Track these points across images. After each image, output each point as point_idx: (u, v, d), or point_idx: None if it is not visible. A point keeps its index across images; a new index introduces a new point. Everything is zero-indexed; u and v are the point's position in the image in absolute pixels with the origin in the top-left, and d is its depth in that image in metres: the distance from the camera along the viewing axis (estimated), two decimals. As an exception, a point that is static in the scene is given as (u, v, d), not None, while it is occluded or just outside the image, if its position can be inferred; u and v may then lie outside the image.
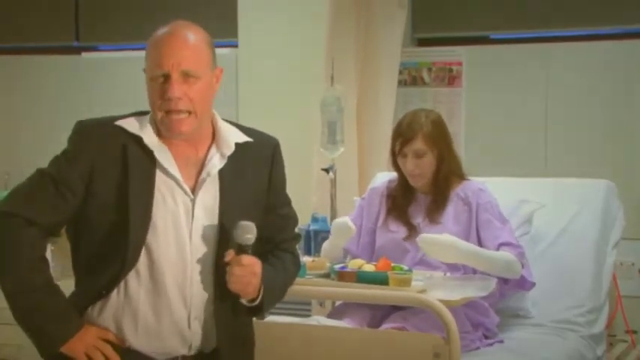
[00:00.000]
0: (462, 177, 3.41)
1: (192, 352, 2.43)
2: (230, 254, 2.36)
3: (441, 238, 3.13)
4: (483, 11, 4.63)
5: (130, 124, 2.41)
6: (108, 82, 5.11)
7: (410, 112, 3.43)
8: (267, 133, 2.57)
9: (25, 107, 5.33)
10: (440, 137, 3.33)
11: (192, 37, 2.37)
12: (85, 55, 5.24)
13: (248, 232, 2.35)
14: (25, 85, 5.34)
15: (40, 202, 2.36)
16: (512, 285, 3.29)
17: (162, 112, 2.35)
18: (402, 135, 3.33)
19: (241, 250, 2.36)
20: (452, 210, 3.33)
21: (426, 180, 3.35)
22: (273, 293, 2.46)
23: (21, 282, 2.34)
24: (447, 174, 3.34)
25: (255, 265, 2.36)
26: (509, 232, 3.29)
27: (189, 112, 2.35)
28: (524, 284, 3.30)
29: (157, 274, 2.37)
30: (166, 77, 2.33)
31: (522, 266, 3.23)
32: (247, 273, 2.35)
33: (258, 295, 2.41)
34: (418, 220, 3.36)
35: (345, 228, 3.29)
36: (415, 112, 3.41)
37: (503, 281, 3.25)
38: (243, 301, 2.42)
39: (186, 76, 2.34)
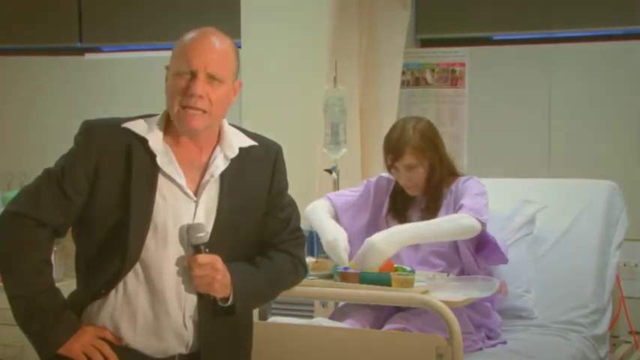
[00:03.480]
0: (456, 175, 3.41)
1: (189, 351, 2.44)
2: (187, 259, 2.37)
3: (362, 249, 3.12)
4: (486, 12, 4.63)
5: (137, 126, 2.42)
6: (111, 83, 5.12)
7: (398, 124, 3.41)
8: (270, 139, 2.58)
9: (28, 108, 5.34)
10: (429, 148, 3.34)
11: (223, 43, 2.41)
12: (88, 56, 5.25)
13: (199, 231, 2.36)
14: (28, 86, 5.35)
15: (48, 202, 2.37)
16: (488, 256, 3.28)
17: (180, 107, 2.37)
18: (392, 151, 3.34)
19: (197, 250, 2.36)
20: (445, 207, 3.34)
21: (421, 187, 3.37)
22: (248, 290, 2.43)
23: (25, 286, 2.36)
24: (439, 180, 3.35)
25: (215, 261, 2.36)
26: (470, 197, 3.26)
27: (204, 112, 2.37)
28: (500, 256, 3.28)
29: (156, 274, 2.38)
30: (193, 75, 2.35)
31: (482, 223, 3.18)
32: (208, 271, 2.35)
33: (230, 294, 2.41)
34: (414, 220, 3.36)
35: (341, 261, 3.18)
36: (403, 124, 3.39)
37: (478, 252, 3.27)
38: (218, 300, 2.41)
39: (211, 78, 2.36)
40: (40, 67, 5.35)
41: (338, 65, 3.87)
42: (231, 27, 4.67)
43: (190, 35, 2.41)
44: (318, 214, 3.36)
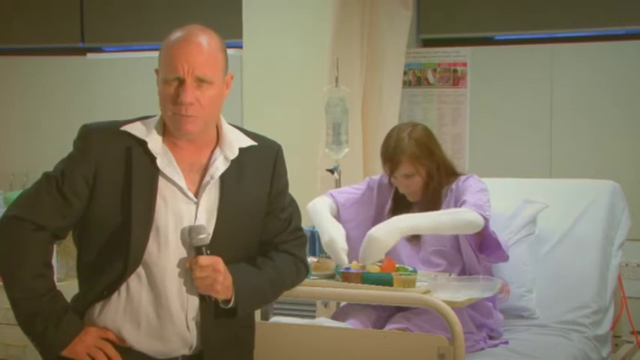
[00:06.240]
0: (455, 175, 3.41)
1: (193, 352, 2.44)
2: (188, 261, 2.37)
3: (363, 244, 3.11)
4: (488, 12, 4.63)
5: (136, 129, 2.41)
6: (113, 83, 5.12)
7: (393, 132, 3.39)
8: (269, 138, 2.57)
9: (30, 108, 5.34)
10: (426, 156, 3.33)
11: (208, 42, 2.36)
12: (90, 56, 5.25)
13: (200, 232, 2.36)
14: (31, 86, 5.35)
15: (47, 206, 2.37)
16: (490, 253, 3.28)
17: (172, 114, 2.36)
18: (389, 161, 3.34)
19: (198, 252, 2.36)
20: (445, 205, 3.34)
21: (419, 193, 3.37)
22: (249, 292, 2.44)
23: (25, 289, 2.36)
24: (437, 185, 3.35)
25: (216, 263, 2.36)
26: (471, 194, 3.26)
27: (197, 116, 2.36)
28: (501, 253, 3.27)
29: (158, 276, 2.38)
30: (180, 81, 2.33)
31: (485, 218, 3.17)
32: (209, 272, 2.35)
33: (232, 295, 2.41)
34: None
35: (340, 261, 3.18)
36: (398, 132, 3.37)
37: (479, 250, 3.27)
38: (220, 302, 2.41)
39: (199, 81, 2.34)
40: (41, 67, 5.35)
41: (340, 65, 3.87)
42: (233, 27, 4.68)
43: (174, 37, 2.37)
44: (319, 212, 3.35)
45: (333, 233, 3.21)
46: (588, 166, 4.24)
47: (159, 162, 2.38)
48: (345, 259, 3.15)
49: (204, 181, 2.42)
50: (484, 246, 3.28)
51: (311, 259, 3.20)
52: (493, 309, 3.33)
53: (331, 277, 3.12)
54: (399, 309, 3.21)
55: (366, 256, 3.07)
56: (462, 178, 3.38)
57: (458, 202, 3.28)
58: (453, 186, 3.36)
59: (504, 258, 3.30)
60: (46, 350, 2.39)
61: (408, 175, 3.33)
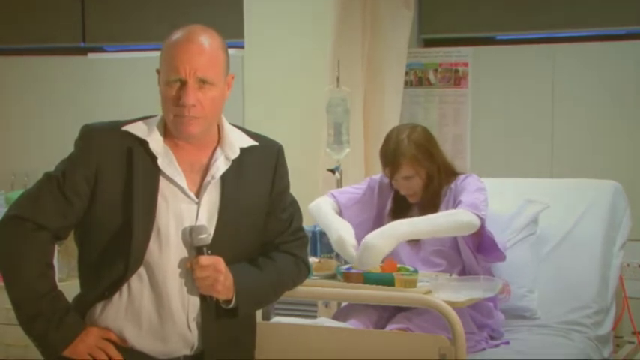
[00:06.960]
0: (455, 174, 3.41)
1: (194, 352, 2.44)
2: (189, 261, 2.37)
3: (359, 251, 3.10)
4: (489, 12, 4.63)
5: (137, 129, 2.41)
6: (114, 83, 5.11)
7: (392, 134, 3.39)
8: (270, 139, 2.57)
9: (31, 108, 5.34)
10: (425, 157, 3.33)
11: (209, 43, 2.36)
12: (91, 56, 5.24)
13: (201, 232, 2.36)
14: (32, 86, 5.34)
15: (48, 206, 2.37)
16: (487, 253, 3.28)
17: (174, 116, 2.36)
18: (389, 164, 3.34)
19: (199, 252, 2.36)
20: (444, 205, 3.35)
21: (420, 194, 3.38)
22: (250, 292, 2.44)
23: (27, 290, 2.36)
24: (437, 186, 3.36)
25: (217, 263, 2.36)
26: (468, 194, 3.26)
27: (199, 117, 2.36)
28: (498, 254, 3.28)
29: (160, 277, 2.38)
30: (182, 83, 2.33)
31: (480, 218, 3.17)
32: (210, 272, 2.35)
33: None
34: None
35: (350, 259, 3.19)
36: (398, 134, 3.38)
37: (477, 250, 3.27)
38: (221, 302, 2.42)
39: (201, 82, 2.34)
40: (43, 67, 5.34)
41: (341, 65, 3.86)
42: (234, 27, 4.68)
43: (175, 37, 2.37)
44: (324, 212, 3.36)
45: (342, 231, 3.22)
46: (589, 167, 4.23)
47: (160, 162, 2.39)
48: (355, 255, 3.15)
49: (205, 181, 2.42)
50: (481, 246, 3.28)
51: (312, 259, 3.20)
52: (494, 309, 3.33)
53: (332, 277, 3.12)
54: (400, 309, 3.21)
55: (363, 263, 3.07)
56: (461, 177, 3.38)
57: (456, 202, 3.28)
58: (452, 185, 3.37)
59: (501, 258, 3.30)
60: (47, 350, 2.40)
61: (408, 177, 3.33)
